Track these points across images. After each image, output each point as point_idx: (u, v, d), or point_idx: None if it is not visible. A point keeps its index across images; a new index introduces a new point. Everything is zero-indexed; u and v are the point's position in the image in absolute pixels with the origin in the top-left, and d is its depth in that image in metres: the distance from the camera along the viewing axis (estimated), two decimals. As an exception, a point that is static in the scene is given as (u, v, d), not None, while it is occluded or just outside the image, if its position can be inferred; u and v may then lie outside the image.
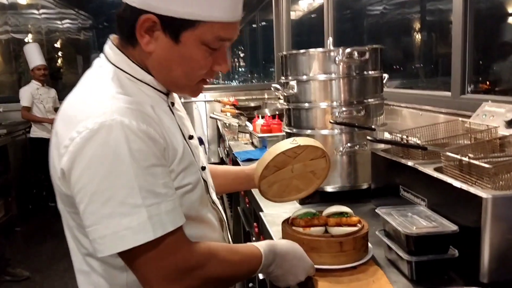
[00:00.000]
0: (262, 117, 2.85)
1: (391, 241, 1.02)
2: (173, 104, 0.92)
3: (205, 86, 0.94)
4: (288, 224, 1.10)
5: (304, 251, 0.98)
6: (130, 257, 0.76)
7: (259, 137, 2.62)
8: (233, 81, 7.25)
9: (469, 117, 1.55)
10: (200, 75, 0.87)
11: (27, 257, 3.73)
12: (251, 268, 0.90)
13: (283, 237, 1.09)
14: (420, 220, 1.00)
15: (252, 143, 2.84)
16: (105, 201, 0.72)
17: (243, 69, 7.98)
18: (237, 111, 3.62)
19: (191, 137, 0.94)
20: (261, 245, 0.92)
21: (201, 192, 0.90)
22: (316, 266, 1.00)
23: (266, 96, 4.99)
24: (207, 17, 0.80)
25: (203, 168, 0.94)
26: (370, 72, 1.49)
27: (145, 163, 0.75)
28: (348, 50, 1.41)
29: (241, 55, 8.04)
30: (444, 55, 2.80)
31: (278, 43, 5.09)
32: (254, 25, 7.53)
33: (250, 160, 2.35)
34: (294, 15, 5.12)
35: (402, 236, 0.96)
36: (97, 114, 0.75)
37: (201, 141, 1.08)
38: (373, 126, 1.38)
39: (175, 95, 0.97)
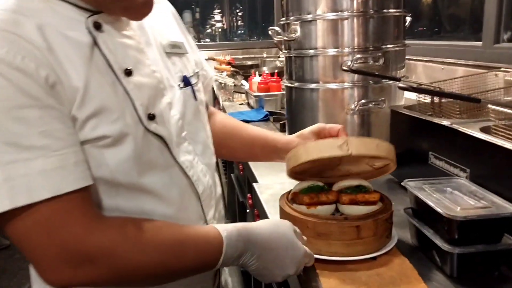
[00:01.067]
0: (260, 75, 2.57)
1: (423, 224, 0.77)
2: (99, 25, 0.64)
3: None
4: (288, 200, 0.84)
5: (293, 235, 0.71)
6: (5, 232, 0.56)
7: (255, 96, 2.34)
8: (230, 37, 6.89)
9: (505, 70, 1.29)
10: None
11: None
12: (204, 258, 0.65)
13: (281, 218, 0.83)
14: (464, 197, 0.75)
15: (248, 104, 2.58)
16: None
17: (241, 30, 7.63)
18: (232, 69, 3.32)
19: (128, 73, 0.64)
20: (226, 229, 0.68)
21: (136, 150, 0.64)
22: (323, 257, 0.75)
23: (265, 55, 4.68)
24: None
25: (151, 117, 0.66)
26: (391, 11, 1.20)
27: (3, 104, 0.53)
28: (365, -21, 1.12)
29: (239, 14, 7.66)
30: (453, 15, 2.51)
31: (279, -3, 4.71)
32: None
33: (245, 121, 2.09)
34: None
35: (442, 219, 0.71)
36: None
37: (186, 82, 0.82)
38: (396, 77, 1.10)
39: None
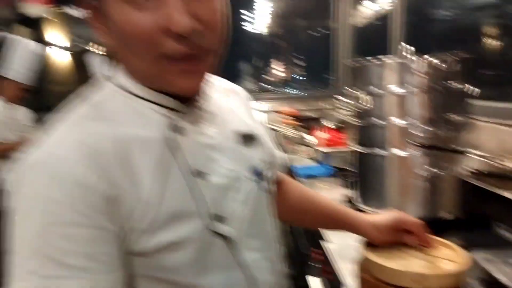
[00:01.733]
0: (325, 131, 2.69)
1: (494, 296, 0.83)
2: (179, 129, 0.64)
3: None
4: (364, 268, 0.91)
5: None
6: None
7: (321, 152, 2.46)
8: (288, 88, 7.13)
9: None
10: (154, 47, 0.58)
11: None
12: None
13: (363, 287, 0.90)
14: (533, 272, 0.80)
15: (313, 158, 2.69)
16: (12, 254, 0.55)
17: (299, 77, 7.85)
18: (296, 122, 3.48)
19: (201, 175, 0.64)
20: None
21: (197, 253, 0.62)
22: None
23: (325, 106, 4.82)
24: None
25: (219, 219, 0.65)
26: (456, 85, 1.29)
27: (55, 218, 0.53)
28: (431, 59, 1.23)
29: (298, 62, 7.92)
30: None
31: (338, 49, 4.90)
32: (313, 32, 7.38)
33: (311, 176, 2.20)
34: (355, 22, 4.91)
35: (512, 294, 0.76)
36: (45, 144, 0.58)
37: (260, 175, 0.75)
38: (462, 149, 1.17)
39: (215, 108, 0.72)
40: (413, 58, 1.28)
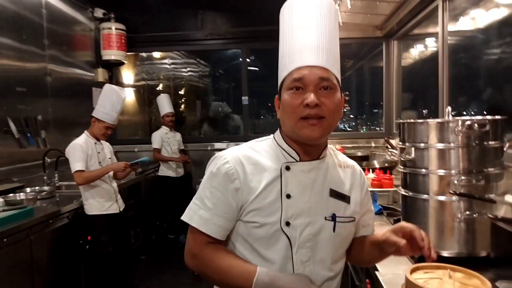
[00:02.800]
0: (373, 170, 2.92)
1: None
2: (288, 168, 1.10)
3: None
4: None
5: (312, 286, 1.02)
6: None
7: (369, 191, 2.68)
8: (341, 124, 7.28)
9: None
10: (297, 112, 1.06)
11: (150, 285, 4.06)
12: (239, 281, 1.04)
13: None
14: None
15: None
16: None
17: (347, 110, 7.99)
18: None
19: (288, 197, 1.08)
20: (260, 269, 1.04)
21: (269, 235, 1.07)
22: None
23: (373, 144, 4.99)
24: (287, 73, 1.09)
25: (287, 224, 1.07)
26: (490, 142, 1.53)
27: (212, 183, 1.11)
28: (468, 122, 1.48)
29: (346, 98, 8.08)
30: None
31: (389, 89, 5.13)
32: (362, 71, 7.61)
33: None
34: (404, 62, 5.12)
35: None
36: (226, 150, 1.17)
37: (333, 218, 1.12)
38: (493, 198, 1.41)
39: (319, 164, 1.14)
40: (452, 119, 1.54)
